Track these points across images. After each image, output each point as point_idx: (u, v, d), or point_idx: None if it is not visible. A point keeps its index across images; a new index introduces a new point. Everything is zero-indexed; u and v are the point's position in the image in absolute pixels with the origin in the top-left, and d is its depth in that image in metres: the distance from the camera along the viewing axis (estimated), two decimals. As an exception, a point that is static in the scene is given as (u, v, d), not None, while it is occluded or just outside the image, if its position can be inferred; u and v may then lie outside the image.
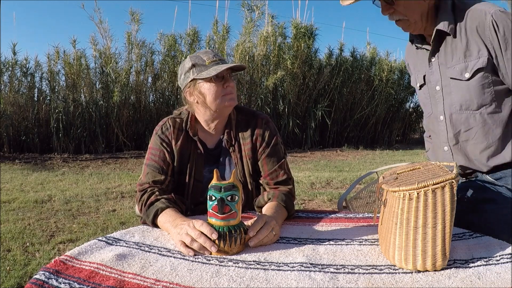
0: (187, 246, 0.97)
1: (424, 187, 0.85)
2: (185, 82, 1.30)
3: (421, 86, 1.37)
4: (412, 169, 1.02)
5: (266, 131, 1.34)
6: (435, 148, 1.39)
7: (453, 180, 0.85)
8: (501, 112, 1.19)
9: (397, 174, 1.01)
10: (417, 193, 0.85)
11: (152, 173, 1.28)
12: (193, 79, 1.27)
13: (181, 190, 1.34)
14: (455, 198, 0.86)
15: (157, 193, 1.22)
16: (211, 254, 0.96)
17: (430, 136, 1.44)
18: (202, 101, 1.29)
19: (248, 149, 1.34)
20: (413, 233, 0.86)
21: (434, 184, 0.84)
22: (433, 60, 1.27)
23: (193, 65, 1.27)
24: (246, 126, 1.35)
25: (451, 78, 1.22)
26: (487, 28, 1.12)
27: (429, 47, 1.28)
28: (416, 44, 1.33)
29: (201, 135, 1.36)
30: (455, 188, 0.85)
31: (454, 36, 1.20)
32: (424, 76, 1.33)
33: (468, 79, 1.18)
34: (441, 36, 1.23)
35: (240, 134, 1.35)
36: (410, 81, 1.49)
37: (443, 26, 1.19)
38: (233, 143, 1.34)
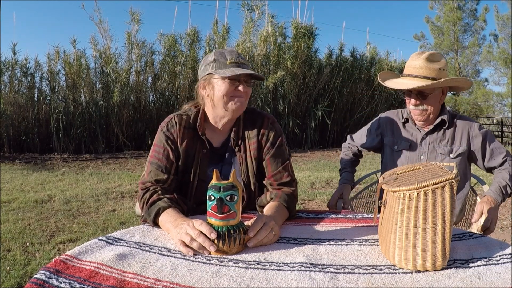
0: (186, 245, 0.97)
1: (424, 187, 0.85)
2: (203, 74, 1.30)
3: (400, 149, 1.77)
4: (412, 169, 1.02)
5: (272, 131, 1.34)
6: None
7: (453, 180, 0.85)
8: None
9: (397, 174, 1.01)
10: (417, 193, 0.85)
11: (155, 171, 1.28)
12: (210, 73, 1.27)
13: (185, 189, 1.33)
14: (455, 198, 0.86)
15: (159, 192, 1.22)
16: (210, 253, 0.96)
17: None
18: (211, 97, 1.29)
19: (253, 149, 1.33)
20: (413, 233, 0.86)
21: (434, 184, 0.85)
22: (425, 138, 1.72)
23: (215, 60, 1.27)
24: (252, 126, 1.35)
25: (440, 153, 1.70)
26: (475, 134, 1.68)
27: (422, 129, 1.73)
28: (412, 125, 1.76)
29: (208, 134, 1.35)
30: (455, 188, 0.85)
31: (447, 127, 1.70)
32: (410, 145, 1.75)
33: (453, 158, 1.69)
34: (440, 125, 1.70)
35: (246, 133, 1.35)
36: (372, 134, 1.89)
37: (446, 118, 1.69)
38: (239, 142, 1.34)
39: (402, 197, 0.87)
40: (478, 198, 1.78)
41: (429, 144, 1.71)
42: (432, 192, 0.85)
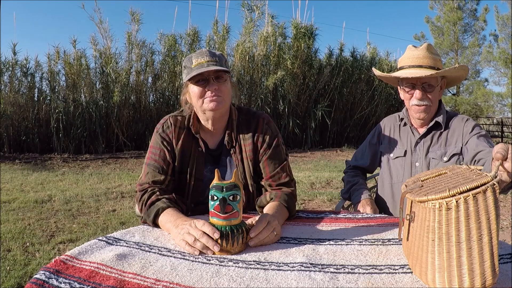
0: (191, 245, 0.97)
1: (464, 192, 0.73)
2: (184, 82, 1.33)
3: (396, 157, 1.69)
4: (437, 175, 0.90)
5: (268, 132, 1.34)
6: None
7: (495, 183, 0.73)
8: None
9: (422, 181, 0.89)
10: (456, 201, 0.72)
11: (152, 173, 1.28)
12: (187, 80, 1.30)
13: (182, 189, 1.34)
14: (499, 203, 0.75)
15: (157, 193, 1.22)
16: (214, 253, 0.96)
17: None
18: (191, 102, 1.32)
19: (249, 150, 1.33)
20: (456, 249, 0.73)
21: (474, 189, 0.73)
22: (419, 142, 1.64)
23: (184, 66, 1.30)
24: (247, 127, 1.35)
25: (432, 158, 1.60)
26: (467, 130, 1.56)
27: (416, 132, 1.66)
28: (408, 128, 1.69)
29: (203, 135, 1.36)
30: (498, 192, 0.73)
31: (442, 129, 1.61)
32: (405, 151, 1.66)
33: (445, 162, 1.57)
34: (434, 127, 1.62)
35: (241, 135, 1.35)
36: (374, 144, 1.81)
37: (441, 120, 1.60)
38: (234, 144, 1.34)
39: (438, 207, 0.74)
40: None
41: (423, 148, 1.63)
42: (473, 199, 0.72)
